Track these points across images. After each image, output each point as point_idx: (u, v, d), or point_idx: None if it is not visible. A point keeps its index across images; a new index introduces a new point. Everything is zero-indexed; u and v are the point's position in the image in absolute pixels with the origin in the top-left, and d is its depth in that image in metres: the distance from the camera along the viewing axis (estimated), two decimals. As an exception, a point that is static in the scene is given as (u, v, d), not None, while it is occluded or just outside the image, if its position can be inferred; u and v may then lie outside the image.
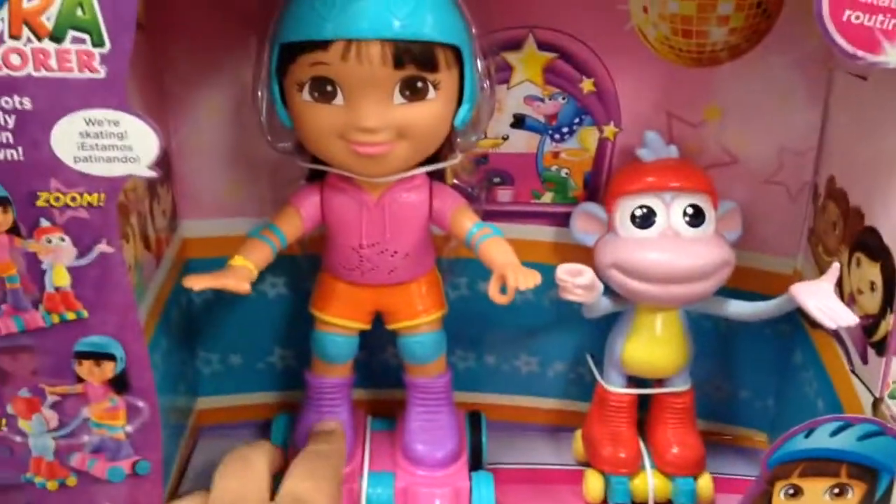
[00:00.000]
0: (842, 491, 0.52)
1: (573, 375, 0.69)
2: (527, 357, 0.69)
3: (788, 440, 0.50)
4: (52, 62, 0.41)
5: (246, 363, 0.69)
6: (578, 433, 0.66)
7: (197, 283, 0.49)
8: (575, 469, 0.65)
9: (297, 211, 0.54)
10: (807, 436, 0.50)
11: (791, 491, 0.51)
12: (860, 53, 0.46)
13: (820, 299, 0.52)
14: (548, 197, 0.64)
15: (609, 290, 0.59)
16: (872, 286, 0.52)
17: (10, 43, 0.41)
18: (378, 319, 0.60)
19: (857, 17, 0.45)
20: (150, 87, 0.55)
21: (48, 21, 0.41)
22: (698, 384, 0.65)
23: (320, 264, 0.60)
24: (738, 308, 0.59)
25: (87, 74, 0.42)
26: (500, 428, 0.68)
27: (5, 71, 0.42)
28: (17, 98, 0.42)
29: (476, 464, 0.62)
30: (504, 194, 0.64)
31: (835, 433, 0.50)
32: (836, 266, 0.52)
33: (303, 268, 0.64)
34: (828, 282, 0.52)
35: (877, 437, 0.50)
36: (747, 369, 0.68)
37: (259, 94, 0.53)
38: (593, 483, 0.62)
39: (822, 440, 0.50)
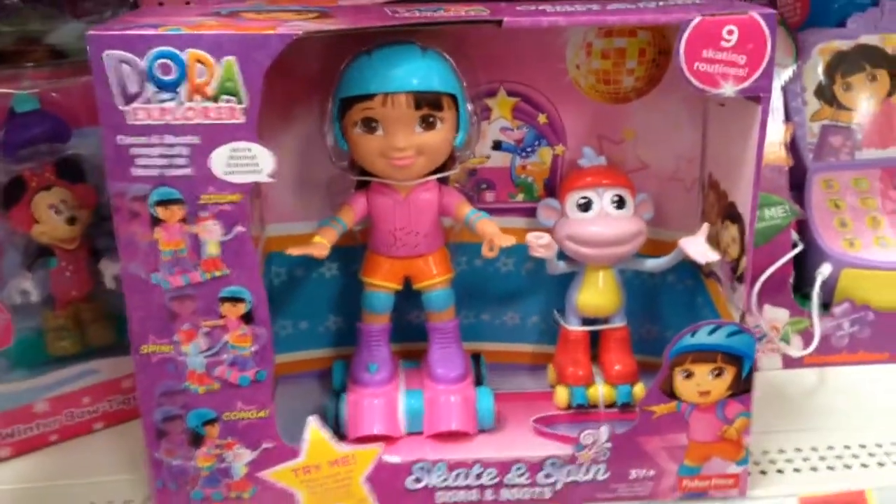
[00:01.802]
0: (720, 372, 0.73)
1: (544, 326, 0.90)
2: (512, 313, 0.91)
3: (681, 338, 0.72)
4: (213, 114, 0.64)
5: (310, 327, 0.89)
6: (551, 366, 0.88)
7: (295, 250, 0.74)
8: (549, 391, 0.86)
9: (352, 207, 0.78)
10: (693, 335, 0.72)
11: (686, 374, 0.73)
12: (706, 88, 0.69)
13: (695, 245, 0.76)
14: (519, 197, 0.86)
15: (565, 257, 0.83)
16: (734, 240, 0.76)
17: (187, 104, 0.64)
18: (407, 288, 0.82)
19: (703, 67, 0.68)
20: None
21: (210, 89, 0.64)
22: (634, 328, 0.86)
23: (363, 253, 0.82)
24: (651, 263, 0.83)
25: (233, 121, 0.64)
26: (494, 367, 0.88)
27: (183, 121, 0.64)
28: (190, 137, 0.64)
29: (479, 388, 0.86)
30: (489, 196, 0.86)
31: (711, 332, 0.72)
32: (705, 225, 0.76)
33: (349, 257, 0.85)
34: (700, 235, 0.76)
35: (739, 335, 0.72)
36: (669, 314, 0.89)
37: (326, 131, 0.77)
38: (561, 393, 0.84)
39: (703, 338, 0.72)
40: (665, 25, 0.80)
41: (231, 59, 0.64)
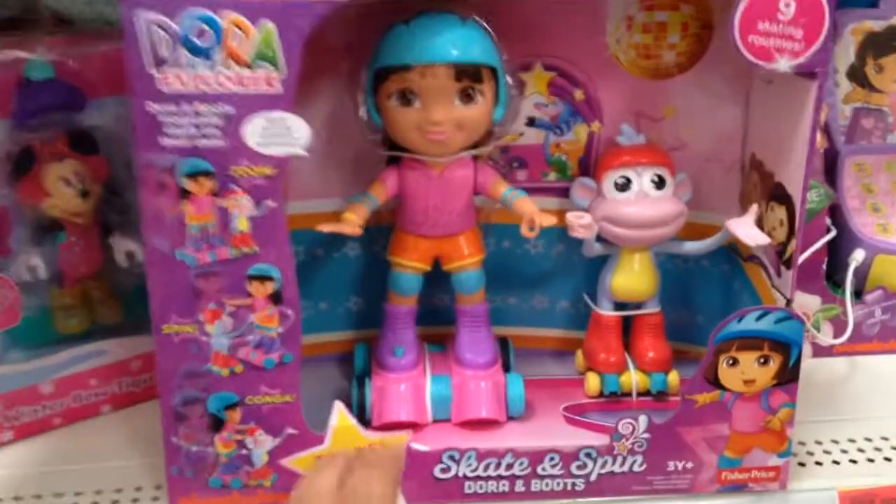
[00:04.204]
0: (766, 360, 0.70)
1: (573, 311, 0.88)
2: (540, 297, 0.88)
3: (727, 324, 0.69)
4: (248, 82, 0.61)
5: (330, 308, 0.87)
6: (579, 352, 0.86)
7: (326, 227, 0.71)
8: (577, 378, 0.84)
9: (383, 183, 0.75)
10: (739, 321, 0.69)
11: (730, 361, 0.70)
12: (760, 62, 0.66)
13: (744, 227, 0.73)
14: (552, 176, 0.84)
15: (600, 238, 0.80)
16: (781, 223, 0.73)
17: (221, 70, 0.61)
18: (436, 270, 0.79)
19: (758, 40, 0.66)
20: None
21: (247, 56, 0.60)
22: (666, 313, 0.84)
23: (388, 232, 0.79)
24: (691, 246, 0.80)
25: (270, 90, 0.61)
26: (521, 353, 0.86)
27: (218, 89, 0.61)
28: (224, 106, 0.61)
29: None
30: (521, 174, 0.83)
31: (758, 318, 0.69)
32: (754, 206, 0.74)
33: (374, 236, 0.83)
34: (750, 217, 0.74)
35: (788, 321, 0.69)
36: (702, 300, 0.87)
37: (360, 103, 0.73)
38: (592, 381, 0.81)
39: (750, 324, 0.70)
40: (711, -2, 0.77)
41: (270, 24, 0.61)
